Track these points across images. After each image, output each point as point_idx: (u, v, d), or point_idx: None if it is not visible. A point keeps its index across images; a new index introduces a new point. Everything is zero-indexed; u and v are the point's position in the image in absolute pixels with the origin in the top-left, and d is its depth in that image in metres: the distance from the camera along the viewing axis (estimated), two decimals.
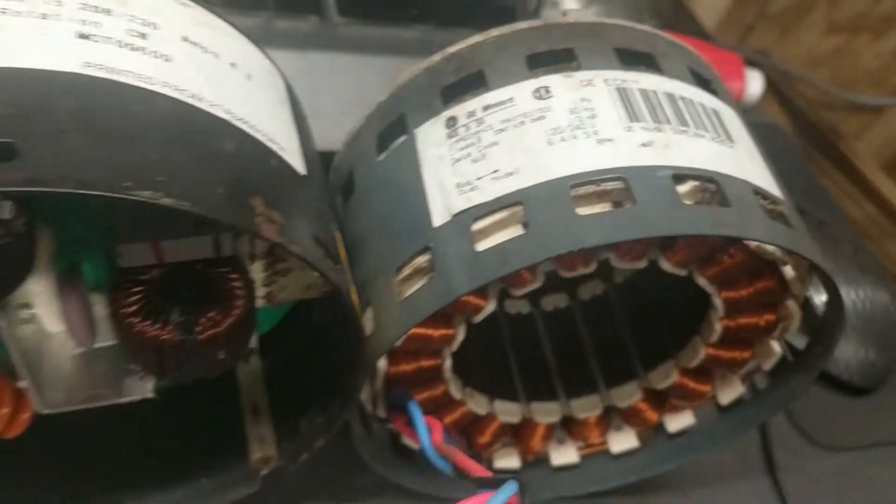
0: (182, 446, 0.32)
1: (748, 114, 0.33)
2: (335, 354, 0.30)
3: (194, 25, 0.24)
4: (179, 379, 0.27)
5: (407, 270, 0.27)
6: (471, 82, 0.29)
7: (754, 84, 0.61)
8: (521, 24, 0.30)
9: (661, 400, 0.36)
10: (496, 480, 0.24)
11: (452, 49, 0.30)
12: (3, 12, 0.21)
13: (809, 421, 0.45)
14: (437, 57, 0.30)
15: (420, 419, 0.28)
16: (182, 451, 0.32)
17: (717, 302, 0.31)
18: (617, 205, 0.26)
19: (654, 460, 0.37)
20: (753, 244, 0.28)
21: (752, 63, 0.69)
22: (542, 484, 0.37)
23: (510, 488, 0.22)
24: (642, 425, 0.37)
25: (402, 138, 0.30)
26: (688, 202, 0.25)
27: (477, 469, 0.25)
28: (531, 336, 0.39)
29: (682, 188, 0.26)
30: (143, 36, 0.22)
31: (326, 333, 0.32)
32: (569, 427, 0.37)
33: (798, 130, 0.86)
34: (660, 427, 0.38)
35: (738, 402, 0.36)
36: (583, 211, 0.25)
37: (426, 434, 0.28)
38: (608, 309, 0.39)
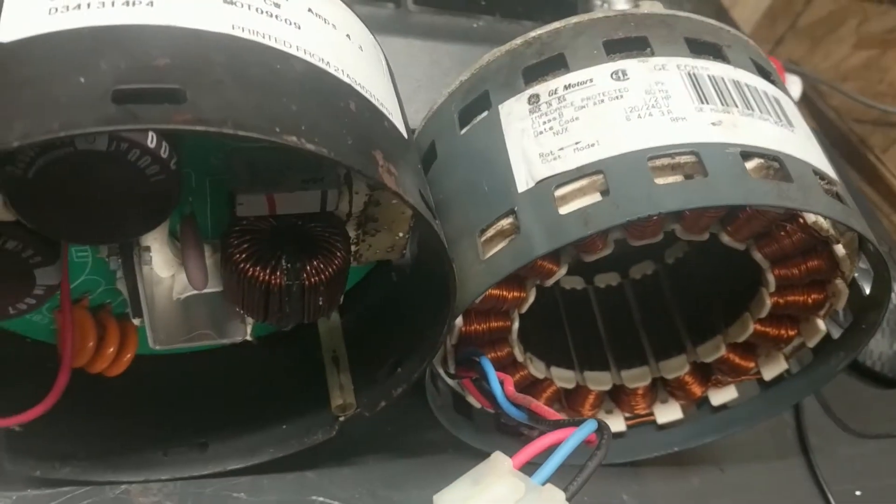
0: (265, 393, 0.35)
1: None
2: (411, 313, 0.33)
3: (317, 0, 0.27)
4: (279, 323, 0.29)
5: (490, 232, 0.29)
6: (552, 64, 0.31)
7: (793, 89, 0.63)
8: (598, 13, 0.32)
9: (707, 374, 0.39)
10: (574, 421, 0.26)
11: (533, 34, 0.32)
12: None
13: (842, 409, 0.47)
14: (518, 41, 0.33)
15: (492, 372, 0.31)
16: (265, 397, 0.35)
17: (770, 278, 0.33)
18: (689, 177, 0.28)
19: (697, 432, 0.40)
20: (810, 220, 0.30)
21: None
22: (589, 450, 0.39)
23: (591, 425, 0.25)
24: (687, 398, 0.39)
25: (485, 113, 0.32)
26: (754, 177, 0.28)
27: (552, 413, 0.28)
28: (585, 310, 0.41)
29: (749, 164, 0.28)
30: (277, 5, 0.25)
31: (403, 294, 0.34)
32: (617, 397, 0.40)
33: (827, 142, 0.87)
34: (703, 401, 0.40)
35: (779, 379, 0.38)
36: (659, 181, 0.27)
37: (499, 385, 0.30)
38: (658, 288, 0.41)
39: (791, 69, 0.89)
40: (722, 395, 0.39)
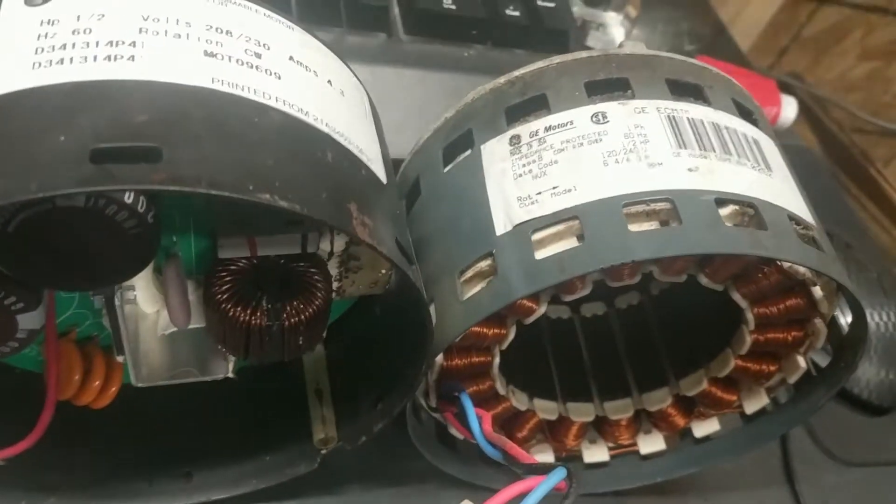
0: (249, 425, 0.35)
1: (781, 136, 0.35)
2: (394, 347, 0.33)
3: (299, 47, 0.27)
4: (260, 361, 0.30)
5: (470, 273, 0.30)
6: (534, 104, 0.32)
7: (789, 109, 0.63)
8: (582, 54, 0.33)
9: (690, 407, 0.39)
10: (544, 467, 0.26)
11: (517, 73, 0.33)
12: (142, 31, 0.24)
13: (829, 436, 0.47)
14: (502, 79, 0.33)
15: (471, 409, 0.31)
16: (249, 429, 0.35)
17: (749, 316, 0.33)
18: (664, 223, 0.28)
19: (680, 463, 0.40)
20: (787, 265, 0.30)
21: (785, 85, 0.71)
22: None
23: (559, 473, 0.25)
24: (670, 429, 0.40)
25: (468, 152, 0.32)
26: (728, 224, 0.28)
27: (526, 457, 0.28)
28: (570, 340, 0.42)
29: (724, 211, 0.28)
30: (258, 56, 0.25)
31: (386, 328, 0.35)
32: (601, 427, 0.40)
33: (829, 154, 0.87)
34: (686, 432, 0.40)
35: (761, 413, 0.38)
36: (633, 227, 0.28)
37: (477, 422, 0.31)
38: (643, 318, 0.42)
39: (793, 83, 0.89)
40: (705, 427, 0.39)
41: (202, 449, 0.35)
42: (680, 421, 0.39)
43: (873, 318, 0.50)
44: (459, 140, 0.33)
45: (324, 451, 0.34)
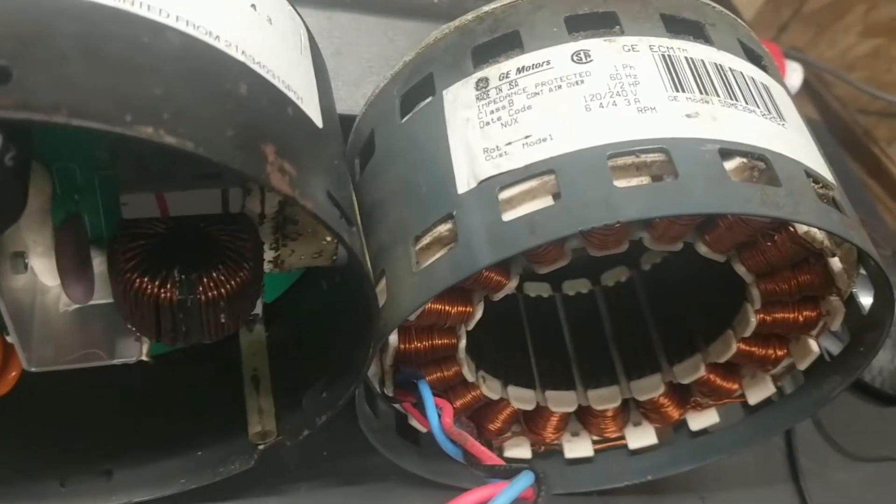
0: (179, 415, 0.31)
1: None
2: (343, 327, 0.29)
3: None
4: (176, 342, 0.25)
5: (427, 239, 0.25)
6: (505, 43, 0.27)
7: (794, 76, 0.59)
8: None
9: (685, 396, 0.35)
10: (508, 469, 0.22)
11: (486, 7, 0.28)
12: None
13: (838, 428, 0.43)
14: (469, 16, 0.29)
15: (430, 399, 0.27)
16: (178, 421, 0.31)
17: (755, 293, 0.29)
18: (656, 178, 0.24)
19: (673, 459, 0.36)
20: (801, 231, 0.26)
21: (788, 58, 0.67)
22: (553, 477, 0.36)
23: (526, 478, 0.21)
24: (663, 421, 0.35)
25: (429, 99, 0.28)
26: (735, 179, 0.23)
27: (488, 456, 0.24)
28: (550, 321, 0.37)
29: (729, 164, 0.24)
30: None
31: (334, 305, 0.30)
32: (584, 419, 0.36)
33: (831, 132, 0.84)
34: (681, 425, 0.36)
35: (766, 403, 0.34)
36: (620, 183, 0.23)
37: (435, 415, 0.26)
38: (633, 297, 0.37)
39: (794, 57, 0.85)
40: (702, 419, 0.35)
41: (123, 444, 0.30)
42: (674, 412, 0.35)
43: None
44: (419, 86, 0.29)
45: (261, 447, 0.29)
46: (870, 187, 0.80)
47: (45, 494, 0.29)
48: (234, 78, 0.20)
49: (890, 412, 0.45)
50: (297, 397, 0.29)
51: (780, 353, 0.32)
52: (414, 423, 0.32)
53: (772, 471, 0.40)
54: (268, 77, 0.21)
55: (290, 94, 0.22)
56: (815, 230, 0.26)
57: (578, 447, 0.36)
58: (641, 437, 0.36)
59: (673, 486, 0.37)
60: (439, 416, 0.26)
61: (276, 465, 0.31)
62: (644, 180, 0.24)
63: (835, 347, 0.33)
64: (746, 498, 0.39)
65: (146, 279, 0.24)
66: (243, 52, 0.21)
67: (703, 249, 0.27)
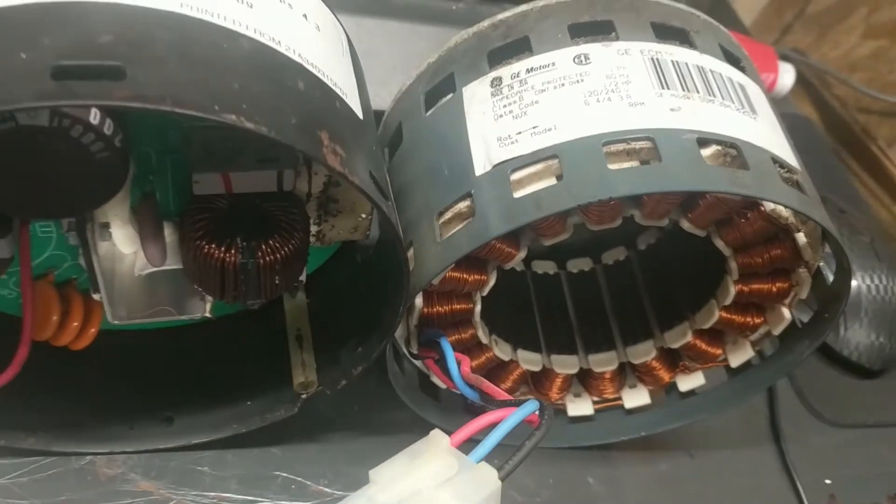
0: (231, 370, 0.35)
1: (778, 105, 0.35)
2: (374, 292, 0.33)
3: None
4: (236, 301, 0.30)
5: (448, 214, 0.30)
6: (516, 47, 0.32)
7: (786, 77, 0.63)
8: None
9: (675, 360, 0.39)
10: (519, 402, 0.26)
11: (500, 16, 0.32)
12: None
13: (817, 398, 0.47)
14: (485, 23, 0.33)
15: (450, 352, 0.31)
16: (230, 374, 0.35)
17: (733, 265, 0.33)
18: (644, 163, 0.28)
19: (665, 417, 0.40)
20: (769, 208, 0.30)
21: (787, 59, 0.70)
22: (557, 433, 0.40)
23: (531, 405, 0.25)
24: (655, 384, 0.39)
25: (450, 96, 0.32)
26: (710, 164, 0.28)
27: (501, 394, 0.28)
28: (555, 294, 0.41)
29: (706, 151, 0.28)
30: None
31: (366, 274, 0.35)
32: (585, 381, 0.40)
33: (831, 132, 0.87)
34: (672, 387, 0.40)
35: (746, 366, 0.38)
36: (613, 166, 0.27)
37: (455, 365, 0.31)
38: (629, 273, 0.41)
39: (795, 58, 0.88)
40: (690, 382, 0.39)
41: (184, 394, 0.35)
42: (665, 375, 0.39)
43: (865, 282, 0.49)
44: (441, 84, 0.33)
45: (304, 396, 0.34)
46: (867, 185, 0.83)
47: (115, 437, 0.34)
48: (293, 76, 0.25)
49: (866, 384, 0.49)
50: (335, 353, 0.34)
51: (757, 320, 0.36)
52: (435, 380, 0.36)
53: (755, 434, 0.44)
54: (319, 75, 0.26)
55: (337, 90, 0.26)
56: (781, 208, 0.30)
57: (580, 406, 0.40)
58: (636, 397, 0.40)
59: (665, 443, 0.41)
60: (459, 366, 0.31)
61: (314, 418, 0.36)
62: (633, 164, 0.28)
63: (805, 317, 0.37)
64: (731, 456, 0.43)
65: (213, 245, 0.28)
66: (299, 55, 0.25)
67: (686, 225, 0.31)
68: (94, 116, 0.22)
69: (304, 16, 0.27)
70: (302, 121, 0.23)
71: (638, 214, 0.31)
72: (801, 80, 0.83)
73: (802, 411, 0.47)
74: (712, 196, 0.30)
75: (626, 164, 0.28)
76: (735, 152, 0.28)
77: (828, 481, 0.43)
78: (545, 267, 0.42)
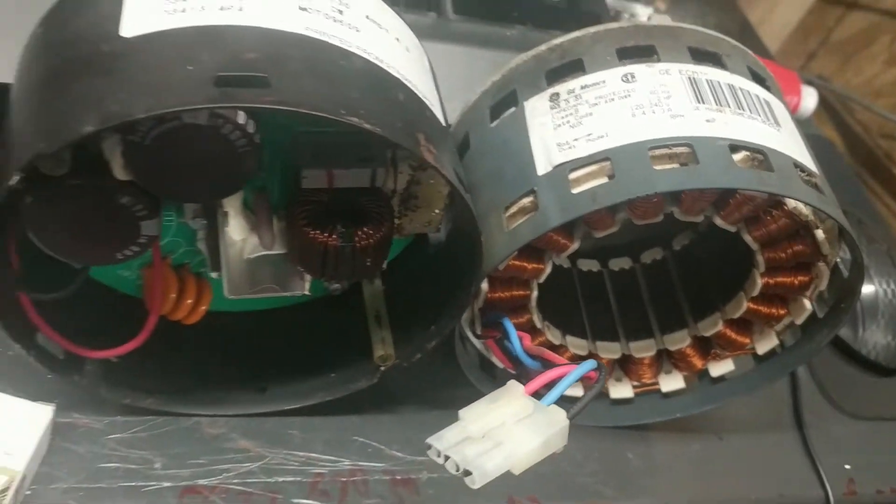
0: (318, 347, 0.41)
1: (803, 125, 0.39)
2: (445, 278, 0.38)
3: (373, 9, 0.32)
4: (332, 279, 0.35)
5: (514, 209, 0.35)
6: (571, 67, 0.37)
7: (809, 99, 0.67)
8: (614, 25, 0.37)
9: (707, 348, 0.43)
10: (577, 363, 0.31)
11: (556, 41, 0.38)
12: None
13: (838, 392, 0.51)
14: (543, 47, 0.38)
15: (513, 329, 0.36)
16: (318, 350, 0.40)
17: (760, 259, 0.38)
18: (683, 165, 0.33)
19: (697, 400, 0.44)
20: (791, 206, 0.35)
21: (811, 85, 0.74)
22: (601, 413, 0.44)
23: (590, 364, 0.30)
24: (689, 370, 0.44)
25: (513, 109, 0.37)
26: (740, 166, 0.33)
27: (560, 360, 0.33)
28: (599, 289, 0.46)
29: (737, 156, 0.33)
30: (340, 12, 0.30)
31: (438, 263, 0.40)
32: (626, 367, 0.44)
33: (854, 156, 0.90)
34: (704, 373, 0.44)
35: (771, 354, 0.42)
36: (657, 167, 0.32)
37: (518, 340, 0.35)
38: (666, 270, 0.46)
39: (818, 84, 0.92)
40: (720, 368, 0.43)
41: (277, 367, 0.40)
42: (698, 362, 0.43)
43: (881, 287, 0.54)
44: (505, 99, 0.38)
45: (382, 368, 0.38)
46: (889, 206, 0.86)
47: (217, 402, 0.38)
48: (395, 88, 0.30)
49: (884, 381, 0.53)
50: (409, 332, 0.39)
51: (781, 311, 0.40)
52: (494, 359, 0.41)
53: (780, 421, 0.48)
54: (413, 89, 0.31)
55: (426, 101, 0.32)
56: (802, 206, 0.35)
57: (621, 390, 0.44)
58: (672, 382, 0.44)
59: (697, 426, 0.46)
60: (521, 341, 0.35)
61: (388, 393, 0.41)
62: (675, 166, 0.33)
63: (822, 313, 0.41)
64: (757, 440, 0.47)
65: (317, 231, 0.33)
66: (398, 72, 0.31)
67: (718, 221, 0.36)
68: (242, 118, 0.28)
69: (398, 39, 0.33)
70: (405, 125, 0.28)
71: (677, 211, 0.36)
72: (824, 104, 0.87)
73: (824, 403, 0.50)
74: (742, 194, 0.35)
75: (668, 166, 0.33)
76: (762, 157, 0.33)
77: (847, 466, 0.47)
78: (590, 265, 0.47)
